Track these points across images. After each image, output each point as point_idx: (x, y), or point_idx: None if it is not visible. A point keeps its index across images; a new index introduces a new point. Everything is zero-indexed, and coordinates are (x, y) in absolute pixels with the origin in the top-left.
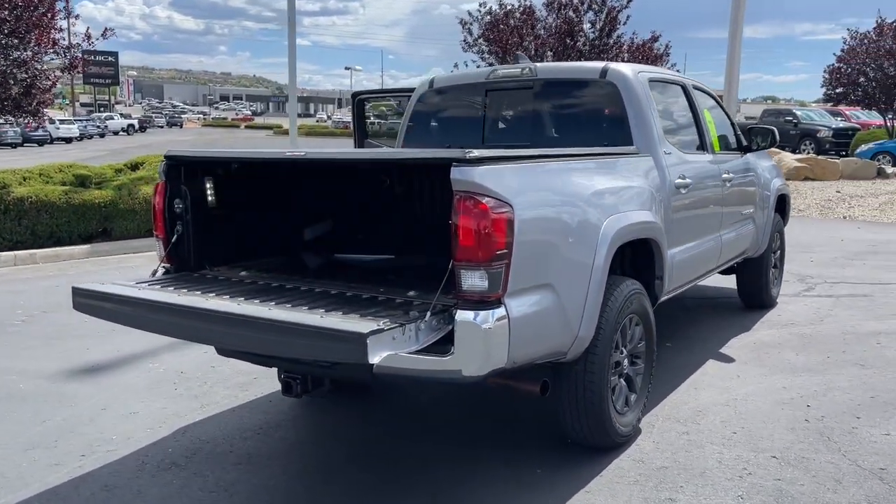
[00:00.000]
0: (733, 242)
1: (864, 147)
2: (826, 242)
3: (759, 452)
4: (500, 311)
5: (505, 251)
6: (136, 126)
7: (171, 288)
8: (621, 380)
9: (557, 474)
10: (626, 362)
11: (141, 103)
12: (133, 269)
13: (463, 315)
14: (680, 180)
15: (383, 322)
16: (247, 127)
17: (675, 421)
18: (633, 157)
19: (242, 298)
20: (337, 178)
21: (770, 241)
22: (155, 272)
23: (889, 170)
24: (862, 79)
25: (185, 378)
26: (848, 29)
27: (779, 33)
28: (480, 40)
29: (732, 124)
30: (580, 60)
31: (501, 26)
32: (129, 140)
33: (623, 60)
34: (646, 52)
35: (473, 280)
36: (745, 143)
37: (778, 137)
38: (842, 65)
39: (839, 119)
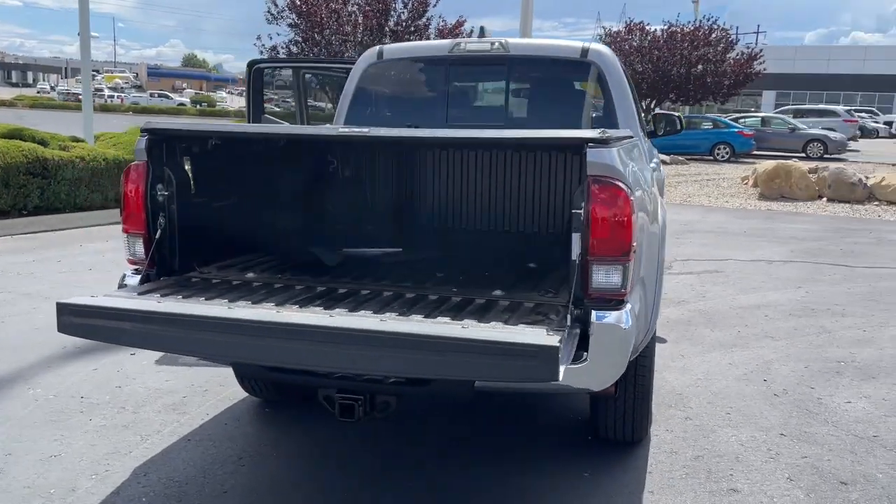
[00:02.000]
0: None
1: None
2: None
3: (766, 431)
4: (628, 310)
5: (634, 243)
6: None
7: (202, 298)
8: None
9: (607, 476)
10: None
11: None
12: None
13: (601, 317)
14: (651, 164)
15: (549, 331)
16: None
17: (668, 407)
18: (636, 142)
19: (321, 308)
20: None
21: None
22: (123, 278)
23: None
24: None
25: (93, 404)
26: (603, 27)
27: (512, 27)
28: (287, 12)
29: (639, 109)
30: (394, 39)
31: None
32: None
33: None
34: (454, 36)
35: (606, 276)
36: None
37: (684, 124)
38: None
39: None
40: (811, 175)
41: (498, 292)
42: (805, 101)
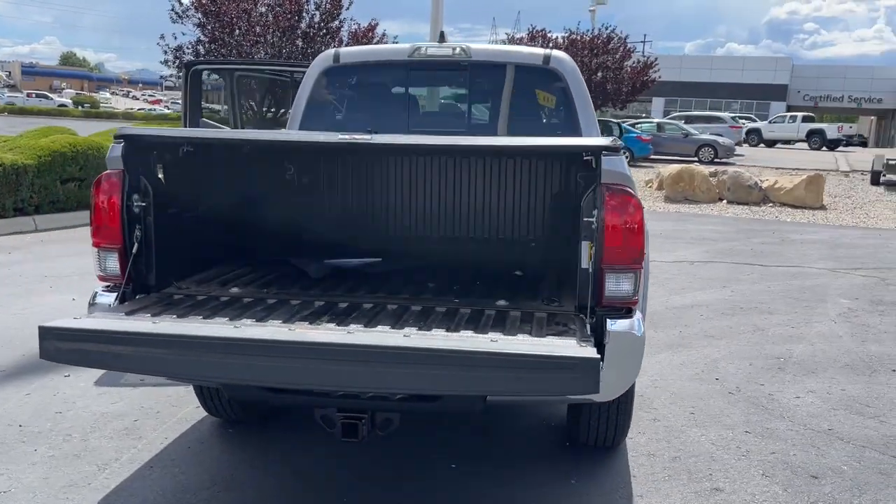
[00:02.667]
0: None
1: None
2: None
3: (731, 429)
4: (640, 318)
5: (644, 250)
6: None
7: (199, 317)
8: None
9: (594, 482)
10: None
11: None
12: None
13: (618, 325)
14: None
15: (579, 342)
16: None
17: (635, 409)
18: None
19: (333, 325)
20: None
21: None
22: (95, 297)
23: None
24: None
25: (34, 433)
26: (507, 33)
27: (411, 32)
28: (192, 10)
29: None
30: (306, 41)
31: None
32: None
33: (344, 45)
34: (366, 39)
35: (618, 284)
36: None
37: (623, 131)
38: None
39: None
40: (712, 178)
41: (502, 302)
42: (691, 107)
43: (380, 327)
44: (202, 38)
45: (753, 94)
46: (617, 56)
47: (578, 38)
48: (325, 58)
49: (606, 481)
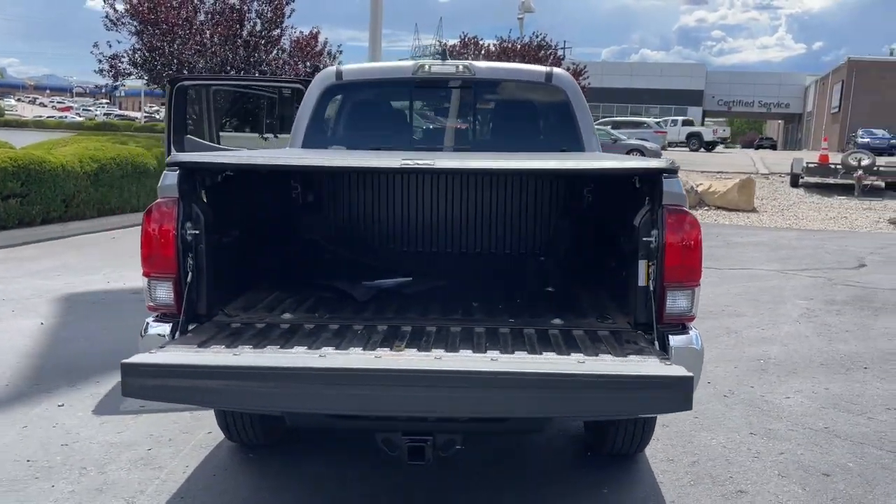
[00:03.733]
0: None
1: None
2: None
3: (737, 432)
4: (697, 333)
5: (702, 267)
6: None
7: (276, 346)
8: None
9: (625, 491)
10: None
11: None
12: None
13: (679, 341)
14: None
15: (661, 360)
16: None
17: None
18: None
19: (415, 350)
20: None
21: None
22: (147, 328)
23: None
24: None
25: (46, 468)
26: (438, 40)
27: (334, 37)
28: (128, 18)
29: None
30: (247, 50)
31: (162, 5)
32: None
33: (287, 54)
34: (309, 48)
35: (678, 301)
36: None
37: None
38: None
39: None
40: None
41: (557, 321)
42: (613, 113)
43: (462, 352)
44: (137, 46)
45: (672, 99)
46: (548, 63)
47: (510, 45)
48: (327, 75)
49: (637, 489)
